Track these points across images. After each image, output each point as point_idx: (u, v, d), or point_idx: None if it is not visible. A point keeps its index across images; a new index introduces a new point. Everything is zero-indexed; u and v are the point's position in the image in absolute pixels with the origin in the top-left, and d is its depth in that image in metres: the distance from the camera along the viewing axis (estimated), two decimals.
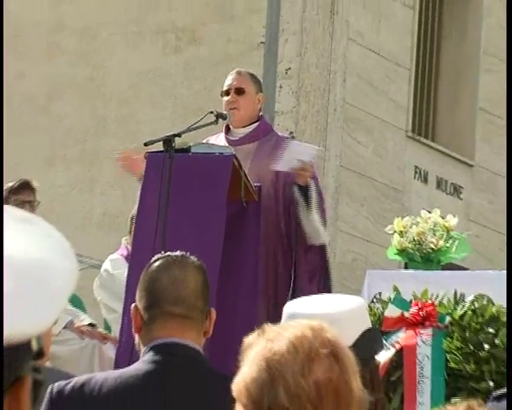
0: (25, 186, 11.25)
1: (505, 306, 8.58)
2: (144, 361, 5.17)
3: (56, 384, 4.90)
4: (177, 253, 5.53)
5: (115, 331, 10.85)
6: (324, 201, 9.78)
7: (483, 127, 19.64)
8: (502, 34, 19.59)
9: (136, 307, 5.01)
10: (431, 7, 19.42)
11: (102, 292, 11.30)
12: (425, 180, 18.61)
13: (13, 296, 1.82)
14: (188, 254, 5.60)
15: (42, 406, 4.93)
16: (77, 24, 17.01)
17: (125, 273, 10.40)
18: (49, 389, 4.91)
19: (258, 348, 3.53)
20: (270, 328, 3.63)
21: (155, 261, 5.24)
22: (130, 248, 11.04)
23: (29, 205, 10.91)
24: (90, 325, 11.21)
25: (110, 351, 11.02)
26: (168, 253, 5.57)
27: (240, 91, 9.54)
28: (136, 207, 10.72)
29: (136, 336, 4.78)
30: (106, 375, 4.86)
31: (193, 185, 9.15)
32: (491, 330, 8.19)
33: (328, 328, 3.69)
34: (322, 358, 3.46)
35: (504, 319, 8.49)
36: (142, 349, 4.99)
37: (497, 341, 8.26)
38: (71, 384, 4.87)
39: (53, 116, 17.30)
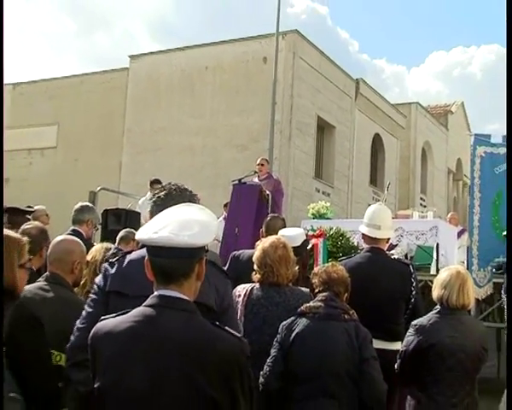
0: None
1: (346, 230, 6.73)
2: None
3: (234, 252, 3.84)
4: (276, 214, 4.32)
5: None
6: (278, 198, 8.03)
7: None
8: (342, 143, 17.75)
9: (261, 230, 3.88)
10: (321, 138, 17.41)
11: None
12: (318, 192, 16.98)
13: (200, 232, 1.49)
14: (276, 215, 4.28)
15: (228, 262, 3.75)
16: (207, 147, 15.33)
17: (223, 223, 8.68)
18: (231, 254, 3.79)
19: (260, 245, 3.07)
20: (263, 239, 3.21)
21: (269, 217, 4.03)
22: (226, 215, 9.28)
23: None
24: None
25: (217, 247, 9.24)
26: (272, 214, 4.33)
27: (262, 165, 7.94)
28: (225, 201, 8.96)
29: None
30: (249, 251, 3.53)
31: (247, 196, 7.56)
32: (340, 238, 6.54)
33: (282, 237, 3.17)
34: (280, 247, 2.98)
35: (346, 235, 6.75)
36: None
37: (334, 242, 6.53)
38: (238, 252, 3.75)
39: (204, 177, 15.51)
